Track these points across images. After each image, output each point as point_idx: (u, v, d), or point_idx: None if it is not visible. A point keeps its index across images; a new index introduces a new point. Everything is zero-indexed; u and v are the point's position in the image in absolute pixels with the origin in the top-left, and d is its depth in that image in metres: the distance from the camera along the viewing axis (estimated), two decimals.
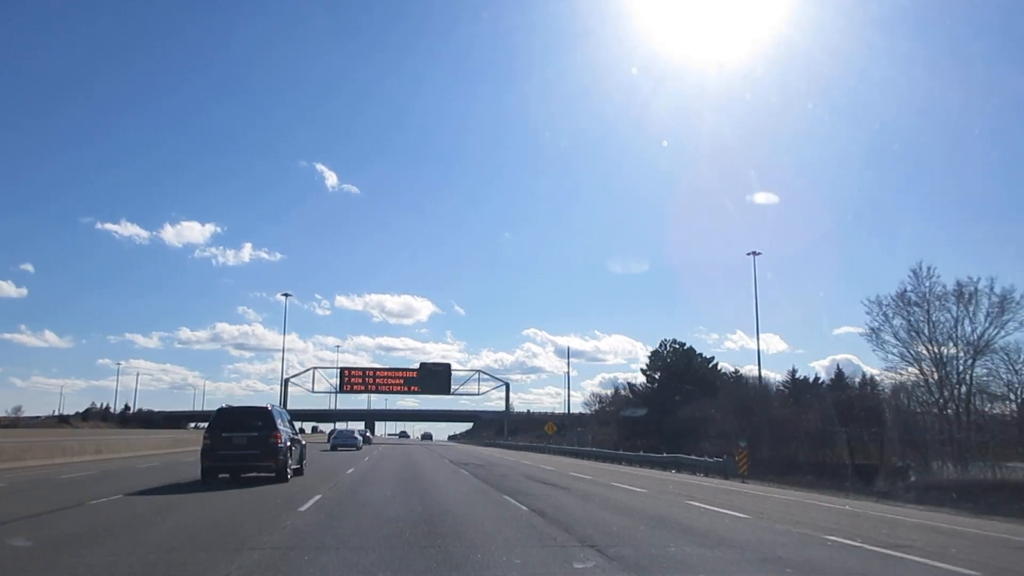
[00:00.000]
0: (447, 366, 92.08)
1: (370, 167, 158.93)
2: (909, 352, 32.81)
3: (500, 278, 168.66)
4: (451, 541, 9.53)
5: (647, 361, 67.48)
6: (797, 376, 58.01)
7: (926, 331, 32.18)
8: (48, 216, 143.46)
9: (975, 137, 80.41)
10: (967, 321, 31.65)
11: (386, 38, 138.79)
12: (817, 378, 57.46)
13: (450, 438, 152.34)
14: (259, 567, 7.54)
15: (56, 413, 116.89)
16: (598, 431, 73.97)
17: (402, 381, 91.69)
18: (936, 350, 31.99)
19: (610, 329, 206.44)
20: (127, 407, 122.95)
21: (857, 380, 49.42)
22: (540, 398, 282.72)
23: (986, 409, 32.31)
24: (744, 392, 53.50)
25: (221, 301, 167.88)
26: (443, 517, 11.91)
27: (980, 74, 78.06)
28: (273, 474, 18.46)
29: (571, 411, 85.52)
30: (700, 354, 66.25)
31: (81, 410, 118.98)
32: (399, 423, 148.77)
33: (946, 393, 31.40)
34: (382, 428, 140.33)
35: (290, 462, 19.27)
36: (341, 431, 62.56)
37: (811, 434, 38.50)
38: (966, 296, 31.44)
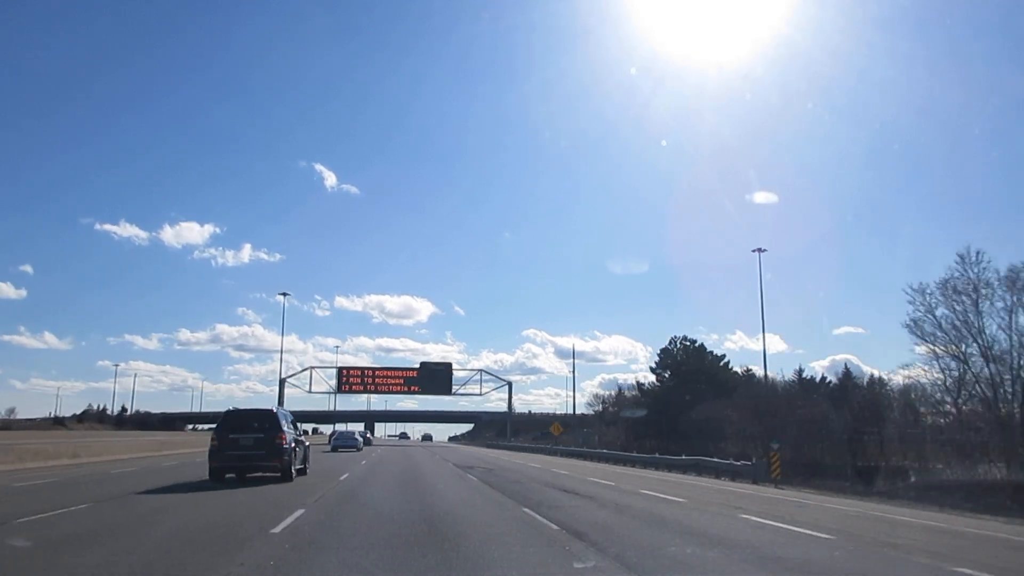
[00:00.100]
0: (448, 365, 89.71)
1: (370, 167, 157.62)
2: (955, 344, 30.21)
3: (500, 278, 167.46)
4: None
5: (656, 359, 65.16)
6: (803, 376, 55.86)
7: (975, 322, 29.59)
8: (47, 217, 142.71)
9: (975, 137, 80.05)
10: (1022, 311, 28.93)
11: (386, 38, 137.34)
12: (824, 378, 55.32)
13: (450, 439, 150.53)
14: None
15: (52, 415, 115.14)
16: (604, 432, 72.04)
17: (402, 381, 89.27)
18: (985, 342, 29.38)
19: (610, 329, 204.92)
20: (124, 409, 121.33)
21: (865, 380, 47.27)
22: (540, 399, 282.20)
23: None
24: (760, 391, 51.19)
25: (221, 302, 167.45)
26: (455, 538, 9.55)
27: (980, 74, 77.37)
28: (278, 474, 19.09)
29: (573, 411, 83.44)
30: (711, 352, 63.99)
31: (79, 412, 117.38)
32: (399, 424, 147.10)
33: (999, 392, 28.76)
34: (382, 429, 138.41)
35: (294, 463, 19.87)
36: (341, 432, 62.87)
37: (837, 435, 36.46)
38: (1018, 285, 28.81)
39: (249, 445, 18.64)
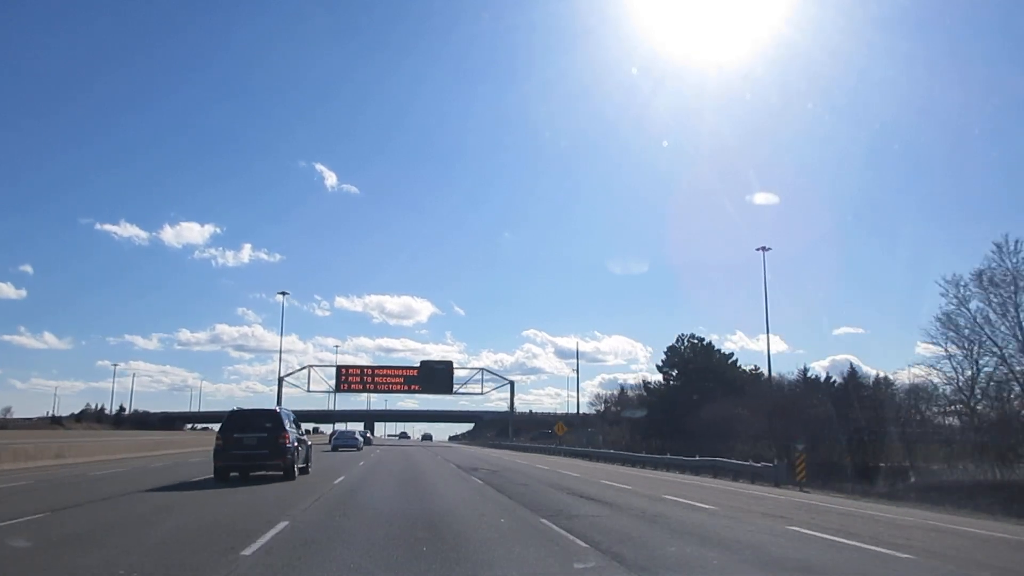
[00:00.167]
0: (449, 364, 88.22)
1: (370, 167, 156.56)
2: (990, 340, 28.62)
3: (500, 278, 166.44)
4: None
5: (663, 358, 63.55)
6: (808, 376, 54.39)
7: (1014, 314, 27.94)
8: (47, 217, 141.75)
9: (975, 137, 79.59)
10: None
11: (386, 38, 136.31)
12: (828, 377, 53.83)
13: (451, 439, 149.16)
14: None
15: (50, 414, 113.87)
16: (608, 431, 70.75)
17: (402, 380, 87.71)
18: None
19: (610, 330, 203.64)
20: (122, 408, 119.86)
21: (870, 380, 45.72)
22: (540, 399, 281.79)
23: None
24: (766, 391, 49.72)
25: (221, 302, 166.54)
26: (460, 561, 8.04)
27: (980, 74, 76.99)
28: (281, 472, 19.48)
29: (578, 411, 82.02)
30: (719, 350, 62.47)
31: (77, 412, 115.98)
32: (399, 424, 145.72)
33: None
34: (382, 429, 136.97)
35: (297, 461, 20.30)
36: (342, 432, 63.12)
37: (849, 435, 35.11)
38: None
39: (253, 444, 19.05)
